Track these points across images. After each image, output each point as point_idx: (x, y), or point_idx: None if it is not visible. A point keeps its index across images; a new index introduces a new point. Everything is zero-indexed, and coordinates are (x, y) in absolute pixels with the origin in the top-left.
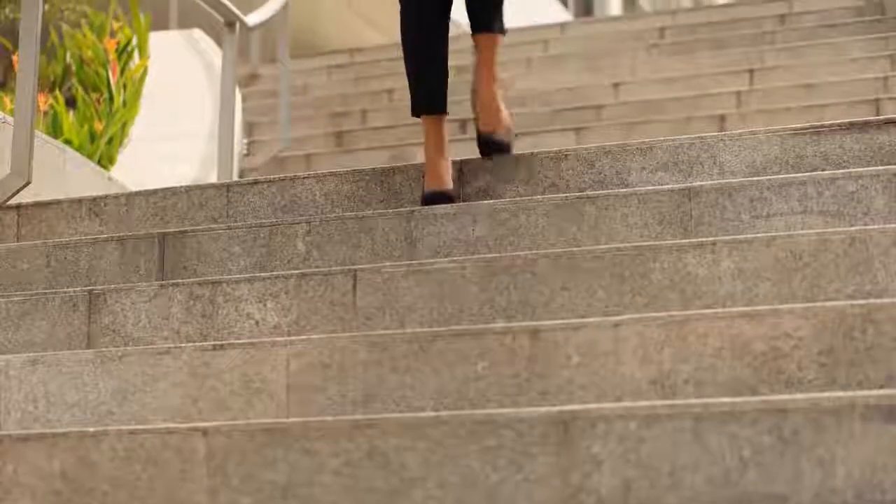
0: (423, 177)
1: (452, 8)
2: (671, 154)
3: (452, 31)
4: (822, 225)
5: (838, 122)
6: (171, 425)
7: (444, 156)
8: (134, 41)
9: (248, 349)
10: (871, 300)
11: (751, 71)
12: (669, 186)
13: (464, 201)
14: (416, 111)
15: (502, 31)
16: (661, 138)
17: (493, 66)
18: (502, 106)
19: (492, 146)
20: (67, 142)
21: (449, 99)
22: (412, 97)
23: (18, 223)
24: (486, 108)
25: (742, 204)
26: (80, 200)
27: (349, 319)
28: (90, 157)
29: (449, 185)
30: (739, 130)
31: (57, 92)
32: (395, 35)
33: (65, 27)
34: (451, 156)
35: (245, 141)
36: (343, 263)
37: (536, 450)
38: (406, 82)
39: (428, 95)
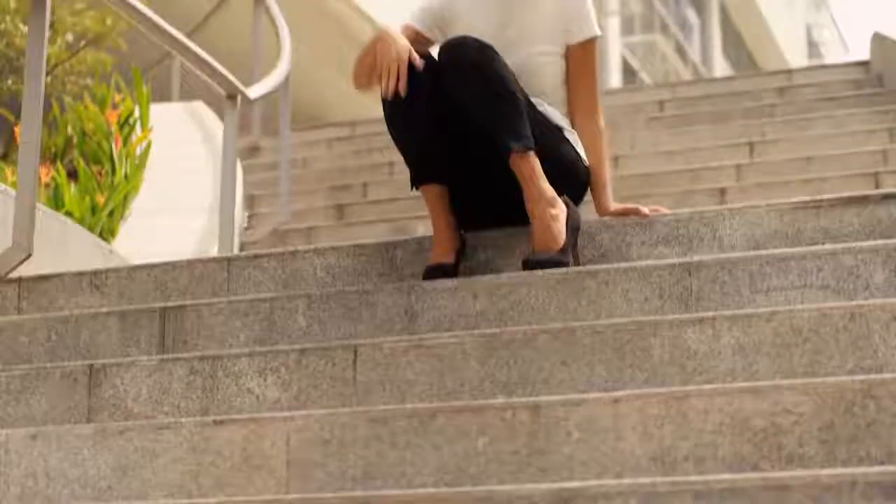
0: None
1: None
2: (671, 228)
3: None
4: (822, 300)
5: (837, 196)
6: (171, 502)
7: (444, 227)
8: (136, 113)
9: (248, 424)
10: (872, 375)
11: (750, 144)
12: (669, 261)
13: (465, 275)
14: (412, 182)
15: (527, 147)
16: (662, 212)
17: (534, 183)
18: (560, 224)
19: (541, 265)
20: (69, 214)
21: None
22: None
23: (19, 296)
24: (538, 230)
25: (742, 278)
26: (81, 273)
27: (349, 394)
28: (91, 229)
29: (448, 258)
30: (739, 204)
31: (59, 164)
32: None
33: (67, 99)
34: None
35: (246, 214)
36: (344, 338)
37: None
38: None
39: (417, 165)
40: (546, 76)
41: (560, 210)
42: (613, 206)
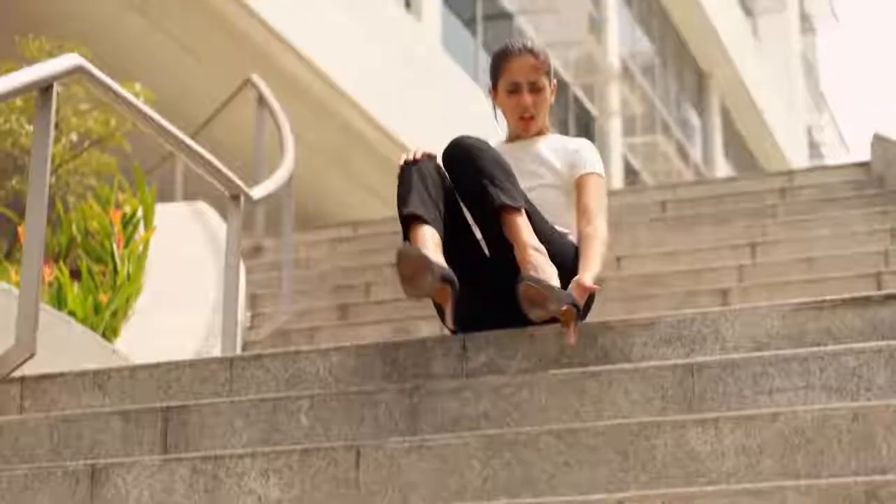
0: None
1: None
2: (674, 329)
3: None
4: (825, 400)
5: (839, 297)
6: None
7: (430, 246)
8: (139, 213)
9: None
10: (875, 476)
11: (752, 245)
12: (672, 362)
13: (467, 377)
14: (400, 214)
15: (513, 204)
16: (664, 313)
17: (524, 234)
18: (551, 268)
19: (535, 281)
20: (72, 313)
21: None
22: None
23: (22, 395)
24: (521, 260)
25: (744, 380)
26: (83, 373)
27: (352, 495)
28: (94, 328)
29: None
30: (741, 305)
31: (62, 263)
32: None
33: (71, 199)
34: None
35: (249, 314)
36: (346, 438)
37: None
38: None
39: (414, 201)
40: (549, 203)
41: (551, 265)
42: (585, 283)
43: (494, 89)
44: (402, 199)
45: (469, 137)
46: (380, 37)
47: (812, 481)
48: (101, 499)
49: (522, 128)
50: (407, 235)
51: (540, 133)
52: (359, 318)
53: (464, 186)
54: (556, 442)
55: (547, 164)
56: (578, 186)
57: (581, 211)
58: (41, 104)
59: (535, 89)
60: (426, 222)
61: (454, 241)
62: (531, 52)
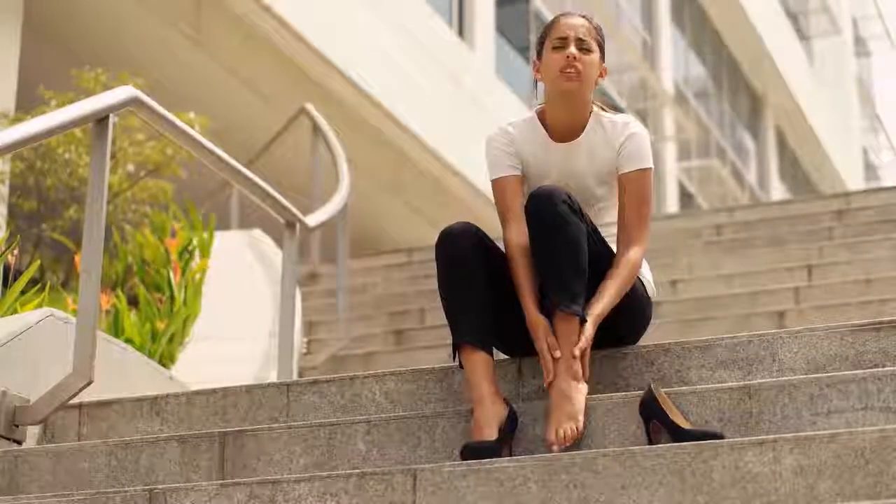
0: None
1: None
2: (730, 352)
3: None
4: (884, 421)
5: None
6: None
7: (492, 395)
8: (194, 242)
9: None
10: None
11: (809, 267)
12: (729, 384)
13: (523, 400)
14: (456, 340)
15: (576, 313)
16: (720, 336)
17: (572, 357)
18: (580, 398)
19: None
20: (129, 341)
21: None
22: (452, 330)
23: (80, 422)
24: (557, 406)
25: (802, 401)
26: (141, 399)
27: None
28: (151, 355)
29: (492, 433)
30: (798, 327)
31: (119, 291)
32: None
33: (127, 227)
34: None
35: (305, 340)
36: (403, 463)
37: None
38: None
39: (469, 325)
40: (600, 198)
41: (582, 390)
42: (589, 332)
43: (539, 57)
44: (449, 311)
45: (559, 204)
46: (434, 65)
47: (872, 502)
48: None
49: (564, 83)
50: (456, 345)
51: (583, 119)
52: (414, 343)
53: (538, 249)
54: (613, 464)
55: (586, 183)
56: (620, 185)
57: (620, 224)
58: (97, 135)
59: (584, 49)
60: (478, 348)
61: (500, 268)
62: (585, 17)
